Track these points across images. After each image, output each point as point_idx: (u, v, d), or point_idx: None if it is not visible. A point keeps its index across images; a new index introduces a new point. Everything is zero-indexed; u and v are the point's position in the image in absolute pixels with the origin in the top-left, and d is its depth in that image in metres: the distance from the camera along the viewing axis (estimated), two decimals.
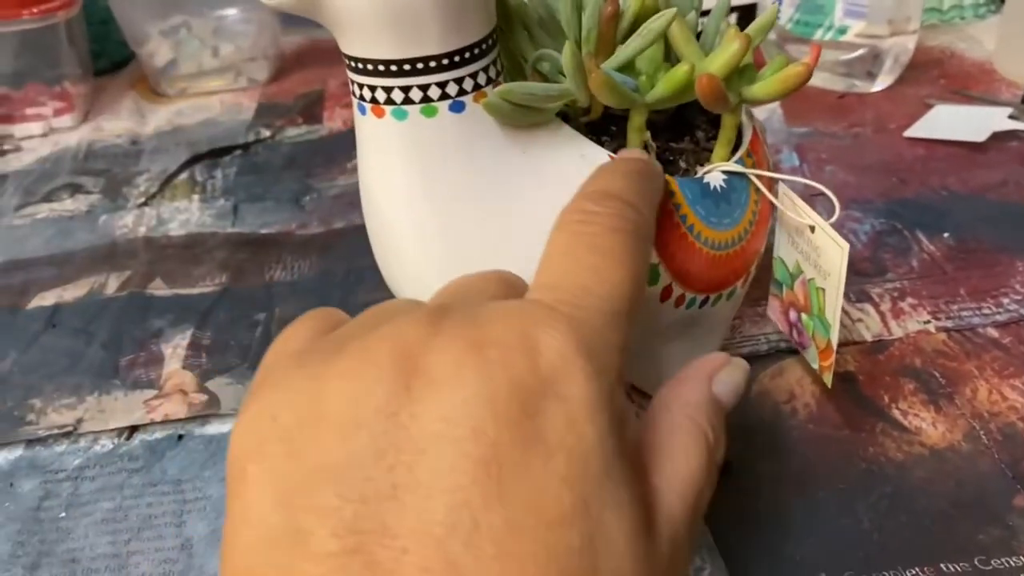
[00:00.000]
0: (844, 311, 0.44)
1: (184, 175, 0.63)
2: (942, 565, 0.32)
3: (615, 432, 0.20)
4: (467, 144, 0.30)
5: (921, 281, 0.47)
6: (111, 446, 0.41)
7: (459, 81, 0.29)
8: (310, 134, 0.67)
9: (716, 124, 0.36)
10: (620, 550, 0.19)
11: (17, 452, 0.41)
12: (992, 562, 0.32)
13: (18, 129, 0.71)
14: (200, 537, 0.36)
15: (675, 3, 0.35)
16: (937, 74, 0.69)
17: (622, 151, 0.31)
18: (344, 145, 0.65)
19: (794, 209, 0.34)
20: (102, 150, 0.68)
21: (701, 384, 0.25)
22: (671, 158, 0.35)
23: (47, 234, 0.57)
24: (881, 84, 0.67)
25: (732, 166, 0.33)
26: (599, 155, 0.32)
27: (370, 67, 0.28)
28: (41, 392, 0.44)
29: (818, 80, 0.67)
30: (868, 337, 0.43)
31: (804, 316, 0.37)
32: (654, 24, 0.30)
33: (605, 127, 0.35)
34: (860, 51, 0.66)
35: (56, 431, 0.41)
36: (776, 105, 0.65)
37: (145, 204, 0.59)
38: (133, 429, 0.42)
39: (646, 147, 0.34)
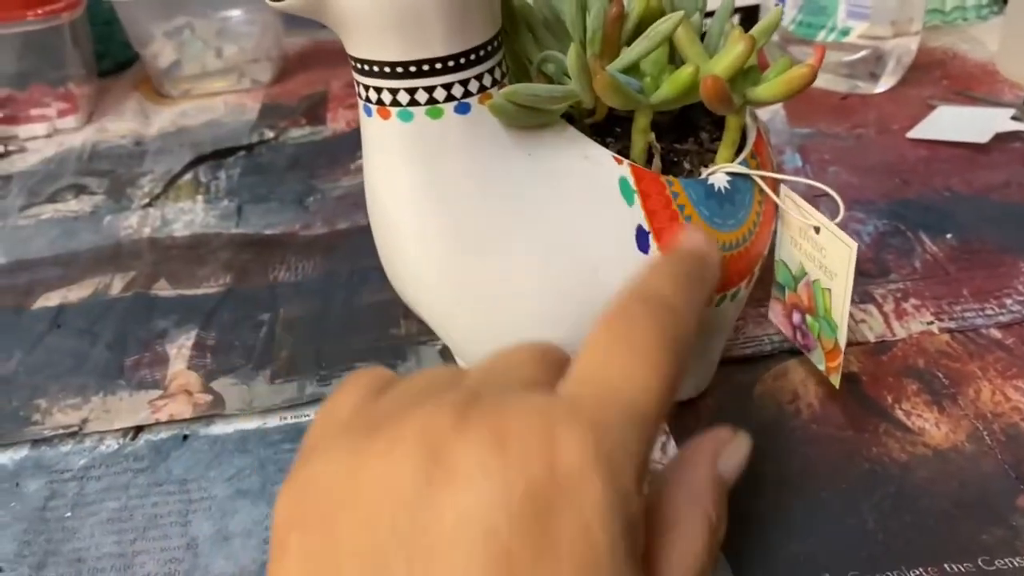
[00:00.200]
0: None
1: (188, 176, 0.63)
2: (946, 565, 0.32)
3: (627, 536, 0.20)
4: (472, 145, 0.30)
5: (924, 282, 0.47)
6: (116, 446, 0.41)
7: (464, 83, 0.29)
8: (314, 135, 0.67)
9: (720, 125, 0.36)
10: None
11: (23, 452, 0.41)
12: (996, 562, 0.32)
13: (22, 130, 0.71)
14: (205, 537, 0.36)
15: (679, 4, 0.35)
16: (940, 75, 0.69)
17: (687, 230, 0.30)
18: (347, 146, 0.65)
19: (798, 210, 0.35)
20: (106, 151, 0.68)
21: (707, 467, 0.25)
22: (675, 159, 0.35)
23: (52, 234, 0.57)
24: (884, 85, 0.67)
25: (736, 167, 0.33)
26: (603, 157, 0.32)
27: (376, 69, 0.29)
28: (46, 392, 0.44)
29: (821, 81, 0.67)
30: (871, 338, 0.43)
31: (809, 318, 0.37)
32: (660, 27, 0.30)
33: (609, 128, 0.35)
34: (863, 52, 0.66)
35: (61, 431, 0.42)
36: (779, 106, 0.65)
37: (149, 205, 0.59)
38: (138, 429, 0.42)
39: (651, 148, 0.34)
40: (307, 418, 0.42)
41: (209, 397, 0.43)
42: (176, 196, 0.60)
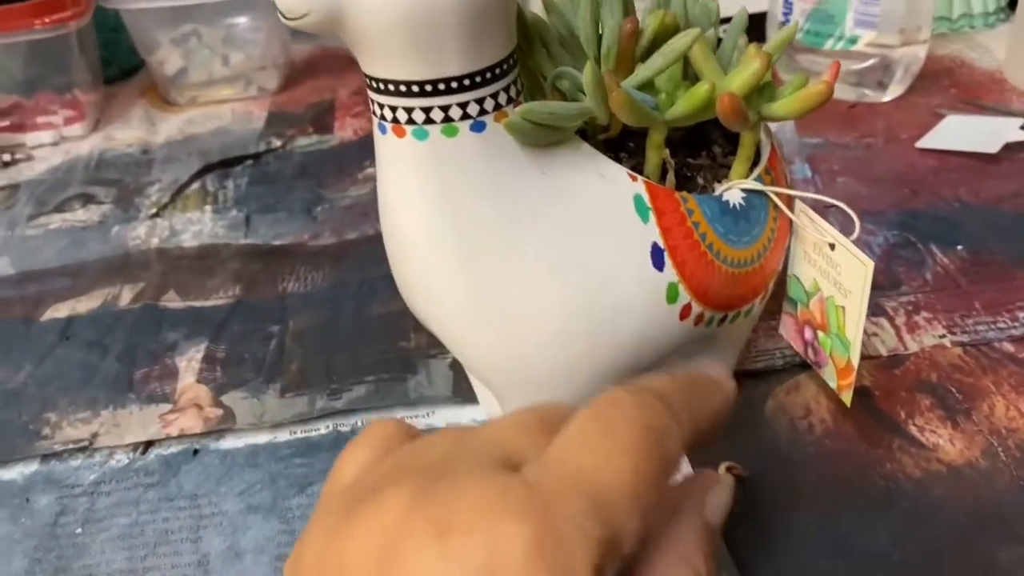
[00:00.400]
0: None
1: (195, 185, 0.63)
2: None
3: None
4: (487, 163, 0.30)
5: (935, 294, 0.47)
6: (126, 461, 0.41)
7: (480, 101, 0.29)
8: (321, 144, 0.67)
9: (733, 139, 0.36)
10: None
11: (33, 467, 0.41)
12: None
13: (29, 138, 0.71)
14: (217, 553, 0.36)
15: (694, 20, 0.35)
16: (947, 83, 0.69)
17: (705, 364, 0.30)
18: (355, 155, 0.65)
19: (813, 226, 0.34)
20: (113, 159, 0.68)
21: (695, 518, 0.25)
22: (689, 174, 0.35)
23: (60, 244, 0.57)
24: (892, 94, 0.67)
25: (751, 184, 0.33)
26: (618, 174, 0.32)
27: (391, 88, 0.28)
28: (56, 406, 0.44)
29: None
30: (883, 351, 0.43)
31: (821, 334, 0.37)
32: (676, 43, 0.30)
33: (623, 143, 0.35)
34: (871, 61, 0.65)
35: (71, 446, 0.41)
36: None
37: (157, 215, 0.59)
38: (148, 444, 0.42)
39: (665, 164, 0.34)
40: (317, 432, 0.41)
41: (219, 411, 0.43)
42: (184, 206, 0.60)
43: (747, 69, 0.31)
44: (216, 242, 0.56)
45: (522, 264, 0.31)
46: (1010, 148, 0.58)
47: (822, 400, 0.40)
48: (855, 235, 0.33)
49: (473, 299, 0.31)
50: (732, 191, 0.33)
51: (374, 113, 0.30)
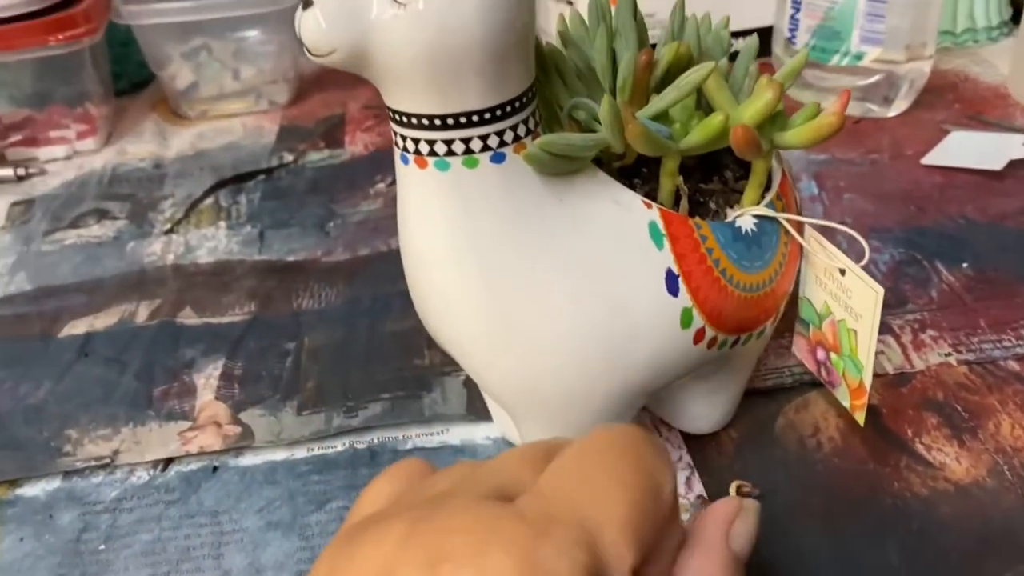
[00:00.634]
0: None
1: (209, 200, 0.64)
2: None
3: None
4: (507, 193, 0.31)
5: (941, 312, 0.47)
6: (147, 477, 0.42)
7: (500, 133, 0.30)
8: (332, 158, 0.68)
9: (745, 164, 0.37)
10: None
11: (55, 483, 0.42)
12: None
13: (43, 152, 0.72)
14: (239, 570, 0.37)
15: (707, 50, 0.35)
16: (952, 98, 0.70)
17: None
18: (366, 170, 0.66)
19: (824, 251, 0.35)
20: (126, 174, 0.69)
21: (719, 548, 0.24)
22: (701, 200, 0.36)
23: (76, 260, 0.58)
24: (897, 109, 0.68)
25: (763, 210, 0.34)
26: (633, 201, 0.33)
27: (415, 121, 0.29)
28: (77, 423, 0.45)
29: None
30: (890, 369, 0.44)
31: (833, 356, 0.38)
32: (691, 76, 0.31)
33: (637, 170, 0.36)
34: (876, 77, 0.66)
35: (93, 463, 0.42)
36: None
37: (172, 231, 0.60)
38: (168, 460, 0.42)
39: (678, 191, 0.34)
40: (334, 450, 0.42)
41: (238, 429, 0.43)
42: (198, 221, 0.61)
43: (760, 99, 0.32)
44: (231, 258, 0.57)
45: (540, 289, 0.31)
46: (1014, 165, 0.59)
47: (831, 418, 0.41)
48: (865, 261, 0.34)
49: (492, 323, 0.32)
50: (744, 217, 0.34)
51: (396, 144, 0.31)
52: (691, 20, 0.35)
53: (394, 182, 0.33)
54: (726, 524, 0.25)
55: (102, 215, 0.63)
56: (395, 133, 0.30)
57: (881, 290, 0.33)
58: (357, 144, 0.70)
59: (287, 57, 0.77)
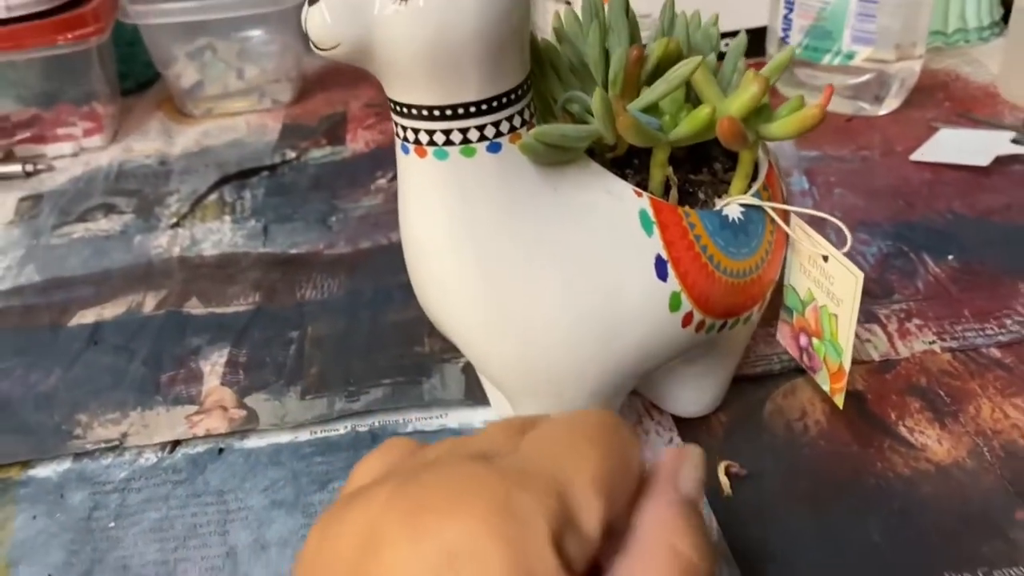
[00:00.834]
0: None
1: (213, 196, 0.65)
2: (945, 575, 0.34)
3: None
4: (503, 182, 0.32)
5: (927, 302, 0.49)
6: (155, 459, 0.43)
7: (496, 124, 0.31)
8: (334, 155, 0.69)
9: (733, 156, 0.38)
10: None
11: (66, 465, 0.43)
12: (995, 573, 0.34)
13: (50, 149, 0.73)
14: (244, 546, 0.38)
15: (696, 45, 0.37)
16: (942, 97, 0.71)
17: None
18: (367, 167, 0.67)
19: (808, 239, 0.37)
20: (132, 170, 0.70)
21: (669, 490, 0.25)
22: (691, 190, 0.37)
23: (84, 254, 0.59)
24: (888, 107, 0.69)
25: (749, 199, 0.35)
26: (624, 190, 0.34)
27: (415, 112, 0.31)
28: (87, 407, 0.46)
29: None
30: (876, 357, 0.45)
31: (815, 341, 0.39)
32: (679, 70, 0.32)
33: (629, 161, 0.37)
34: (867, 76, 0.68)
35: (103, 445, 0.44)
36: None
37: (177, 225, 0.62)
38: (175, 443, 0.44)
39: (668, 181, 0.36)
40: (336, 433, 0.44)
41: (243, 412, 0.45)
42: (203, 215, 0.62)
43: (746, 92, 0.33)
44: (236, 251, 0.58)
45: (535, 276, 0.33)
46: (1001, 161, 0.60)
47: (817, 403, 0.42)
48: (847, 247, 0.35)
49: (489, 310, 0.33)
50: (731, 206, 0.35)
51: (397, 135, 0.32)
52: (680, 17, 0.37)
53: (395, 178, 0.34)
54: (673, 470, 0.26)
55: (109, 210, 0.64)
56: (396, 124, 0.32)
57: (860, 274, 0.34)
58: (359, 141, 0.71)
59: (290, 57, 0.79)
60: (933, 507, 0.37)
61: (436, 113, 0.30)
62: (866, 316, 0.48)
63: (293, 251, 0.58)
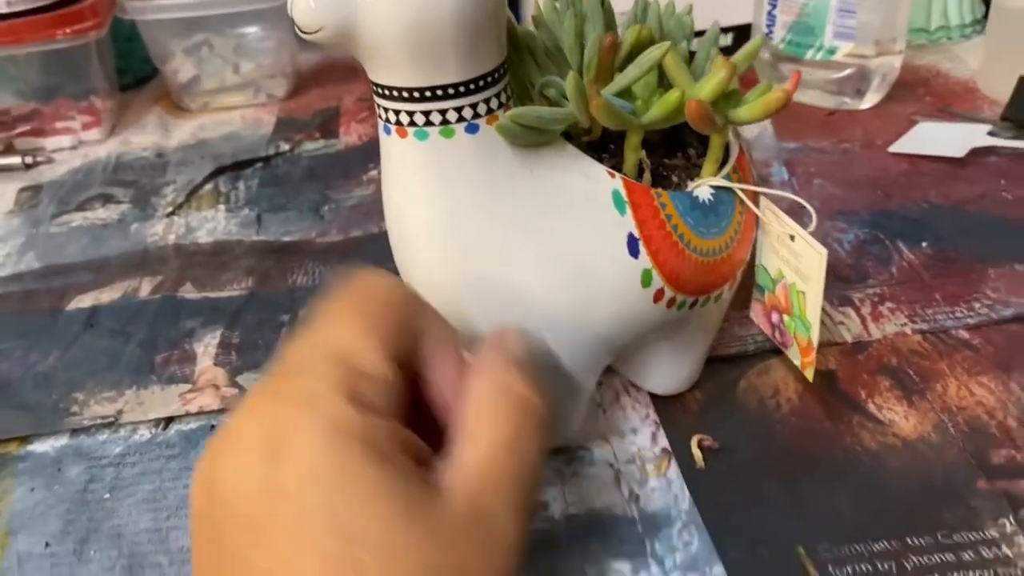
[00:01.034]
0: (827, 314, 0.48)
1: (209, 186, 0.66)
2: (908, 539, 0.35)
3: (370, 452, 0.24)
4: (481, 163, 0.34)
5: (900, 287, 0.50)
6: (149, 435, 0.44)
7: (474, 106, 0.33)
8: (327, 148, 0.71)
9: (706, 142, 0.39)
10: (378, 536, 0.23)
11: (63, 440, 0.44)
12: (954, 536, 0.35)
13: (49, 142, 0.75)
14: None
15: (668, 33, 0.38)
16: (923, 92, 0.73)
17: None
18: (359, 159, 0.69)
19: (776, 220, 0.38)
20: (130, 162, 0.72)
21: (498, 352, 0.29)
22: (665, 173, 0.39)
23: (83, 241, 0.61)
24: (869, 102, 0.70)
25: (719, 181, 0.37)
26: (599, 172, 0.35)
27: (395, 93, 0.32)
28: (83, 387, 0.47)
29: (809, 98, 0.71)
30: (848, 338, 0.46)
31: (786, 318, 0.40)
32: (650, 54, 0.34)
33: (604, 145, 0.39)
34: (848, 70, 0.69)
35: (99, 421, 0.45)
36: (767, 121, 0.68)
37: (173, 214, 0.63)
38: (169, 420, 0.45)
39: (641, 164, 0.37)
40: None
41: (235, 391, 0.46)
42: (198, 205, 0.64)
43: (714, 77, 0.35)
44: (230, 239, 0.59)
45: (511, 252, 0.34)
46: (977, 153, 0.62)
47: (790, 382, 0.44)
48: (812, 227, 0.36)
49: (467, 283, 0.35)
50: (702, 188, 0.37)
51: (379, 116, 0.34)
52: (653, 5, 0.38)
53: None
54: (499, 337, 0.30)
55: (107, 199, 0.66)
56: (378, 105, 0.33)
57: (824, 251, 0.35)
58: (351, 135, 0.73)
59: (285, 53, 0.80)
60: (898, 478, 0.39)
61: (416, 95, 0.32)
62: (840, 300, 0.49)
63: (286, 239, 0.59)
